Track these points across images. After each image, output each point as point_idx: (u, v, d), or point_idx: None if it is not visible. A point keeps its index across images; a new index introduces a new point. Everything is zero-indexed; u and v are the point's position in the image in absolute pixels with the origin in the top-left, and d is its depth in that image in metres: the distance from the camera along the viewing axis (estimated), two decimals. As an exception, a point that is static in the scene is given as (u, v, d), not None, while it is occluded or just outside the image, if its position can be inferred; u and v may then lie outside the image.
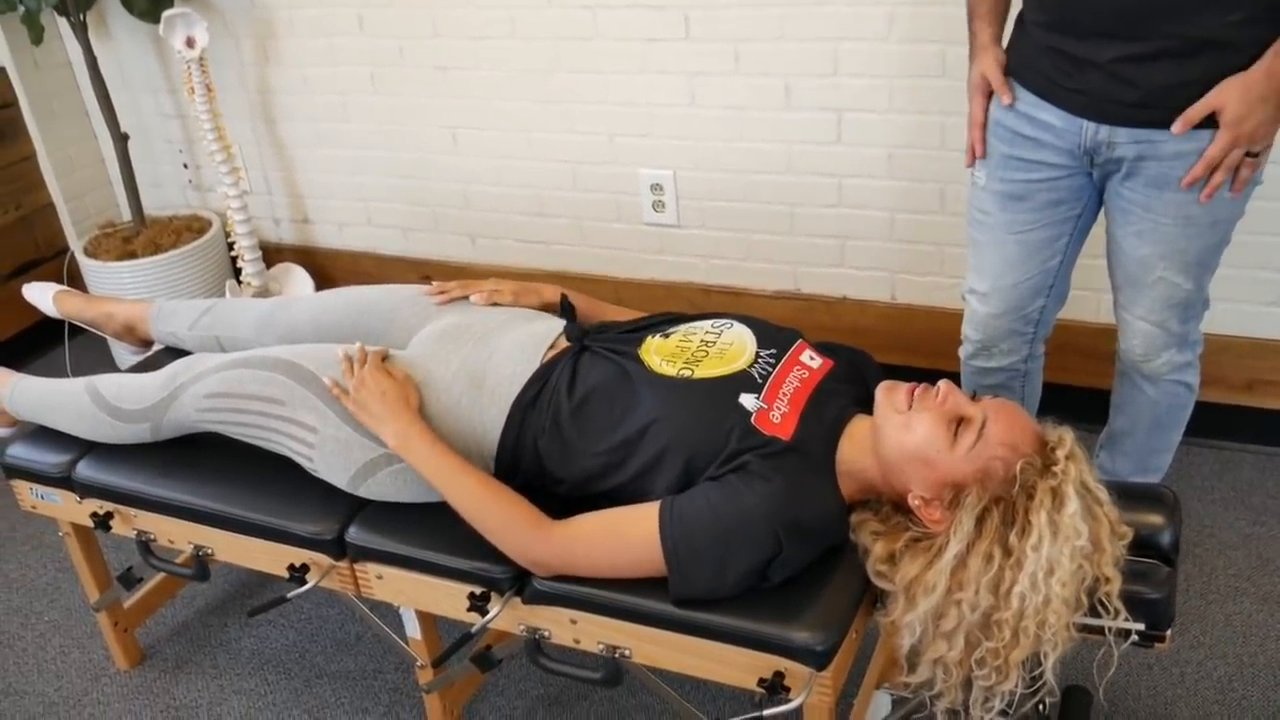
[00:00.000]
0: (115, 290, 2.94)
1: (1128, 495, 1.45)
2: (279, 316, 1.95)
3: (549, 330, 1.70)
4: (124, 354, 3.09)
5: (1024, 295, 1.90)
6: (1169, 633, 1.42)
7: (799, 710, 1.42)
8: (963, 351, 2.06)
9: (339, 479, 1.67)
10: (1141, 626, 1.38)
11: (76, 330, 3.18)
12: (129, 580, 2.02)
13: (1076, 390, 2.41)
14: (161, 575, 2.19)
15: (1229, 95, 1.56)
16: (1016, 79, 1.76)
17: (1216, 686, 1.89)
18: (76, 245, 3.15)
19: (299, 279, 3.15)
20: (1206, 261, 1.77)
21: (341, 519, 1.68)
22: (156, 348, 2.20)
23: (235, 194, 2.95)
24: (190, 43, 2.75)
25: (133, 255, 3.00)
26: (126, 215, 3.22)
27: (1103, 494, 1.39)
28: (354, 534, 1.66)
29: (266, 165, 3.16)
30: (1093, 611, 1.37)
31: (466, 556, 1.57)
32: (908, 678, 1.42)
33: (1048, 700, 1.40)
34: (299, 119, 3.04)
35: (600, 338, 1.65)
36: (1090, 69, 1.63)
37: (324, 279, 3.21)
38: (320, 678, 2.11)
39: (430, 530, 1.62)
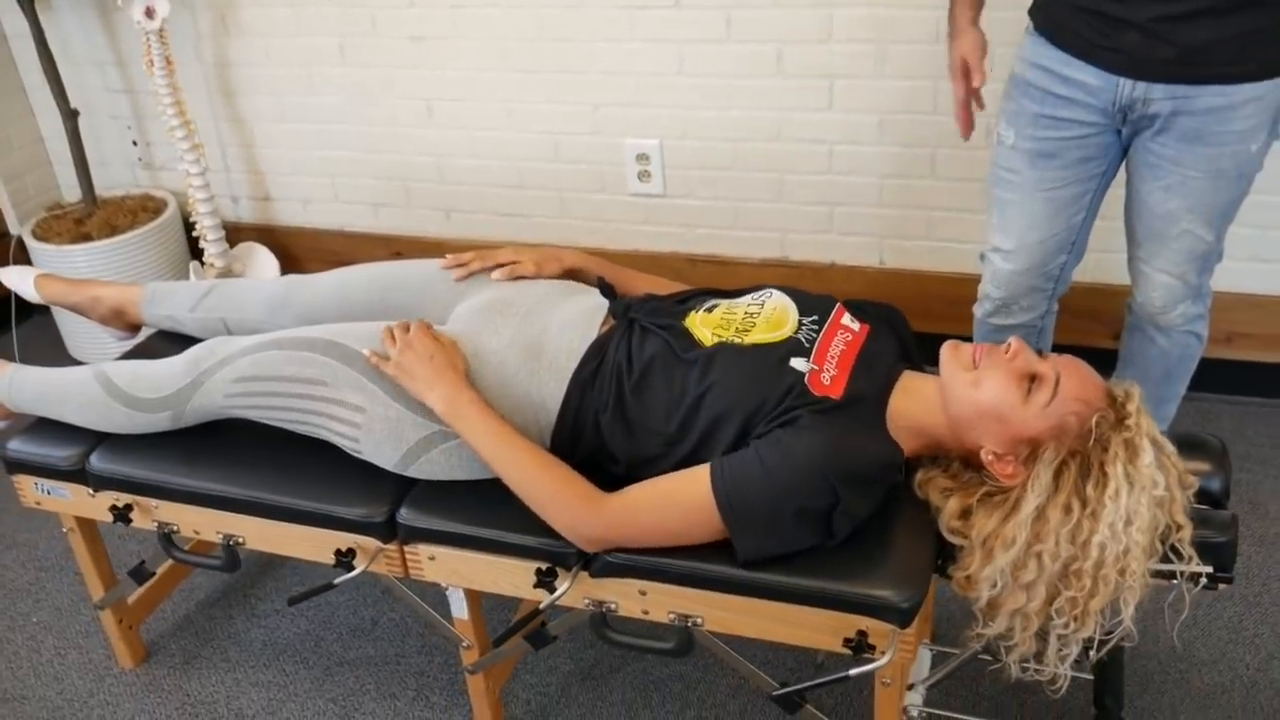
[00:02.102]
0: (69, 275, 2.80)
1: (1179, 444, 1.49)
2: (296, 296, 1.89)
3: (598, 306, 1.68)
4: (76, 338, 2.97)
5: (1049, 251, 1.95)
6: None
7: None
8: (979, 310, 2.10)
9: (388, 460, 1.63)
10: (1210, 569, 1.43)
11: (22, 316, 3.04)
12: (142, 575, 1.94)
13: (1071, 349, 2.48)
14: (165, 568, 2.11)
15: None
16: (1048, 38, 1.79)
17: (1229, 626, 1.98)
18: (20, 229, 3.00)
19: (263, 259, 3.05)
20: (1229, 214, 1.83)
21: (390, 500, 1.64)
22: (146, 333, 2.11)
23: (197, 171, 2.84)
24: (150, 13, 2.62)
25: (87, 238, 2.87)
26: (71, 196, 3.07)
27: (1168, 445, 1.44)
28: (406, 515, 1.62)
29: (225, 141, 3.04)
30: (1165, 558, 1.41)
31: (532, 533, 1.54)
32: (984, 629, 1.45)
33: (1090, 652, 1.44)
34: (260, 92, 2.93)
35: (645, 313, 1.63)
36: (1128, 28, 1.67)
37: (287, 258, 3.11)
38: (340, 665, 2.07)
39: (487, 508, 1.59)
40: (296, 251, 3.13)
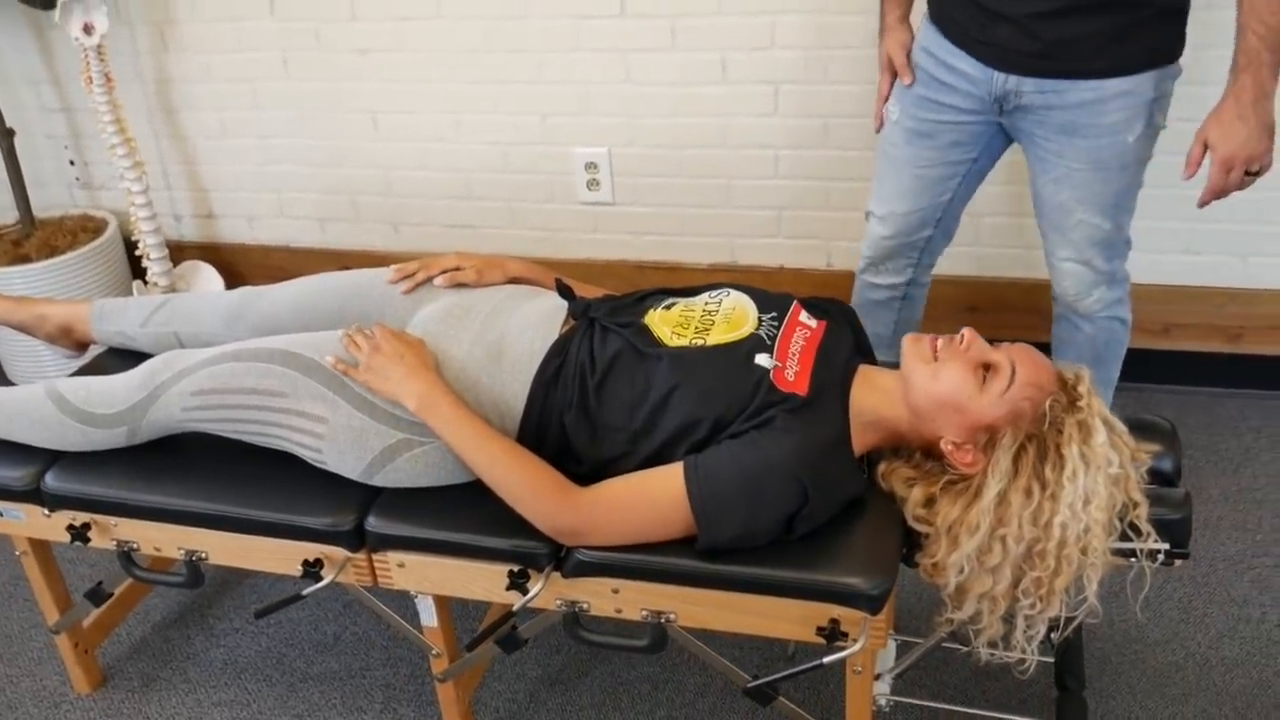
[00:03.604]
0: (9, 297, 2.75)
1: (1131, 426, 1.54)
2: (252, 307, 1.87)
3: (557, 307, 1.69)
4: (10, 358, 2.90)
5: (913, 224, 2.08)
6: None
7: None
8: (858, 267, 2.21)
9: (352, 469, 1.62)
10: (1167, 546, 1.48)
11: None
12: (99, 596, 1.91)
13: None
14: (121, 590, 2.08)
15: (1209, 132, 1.72)
16: (937, 26, 1.89)
17: (1179, 607, 2.04)
18: (-47, 252, 2.93)
19: (207, 277, 3.01)
20: (1121, 203, 1.92)
21: (356, 508, 1.63)
22: (95, 350, 2.08)
23: (139, 190, 2.79)
24: (88, 29, 2.58)
25: (25, 259, 2.80)
26: (7, 217, 3.00)
27: (1119, 425, 1.48)
28: (374, 522, 1.61)
29: (166, 158, 3.00)
30: (1123, 536, 1.45)
31: (503, 535, 1.55)
32: (952, 614, 1.48)
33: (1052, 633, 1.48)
34: (201, 108, 2.90)
35: (604, 313, 1.65)
36: (1001, 22, 1.77)
37: (232, 276, 3.08)
38: (305, 681, 2.04)
39: (456, 512, 1.59)
40: (242, 269, 3.10)
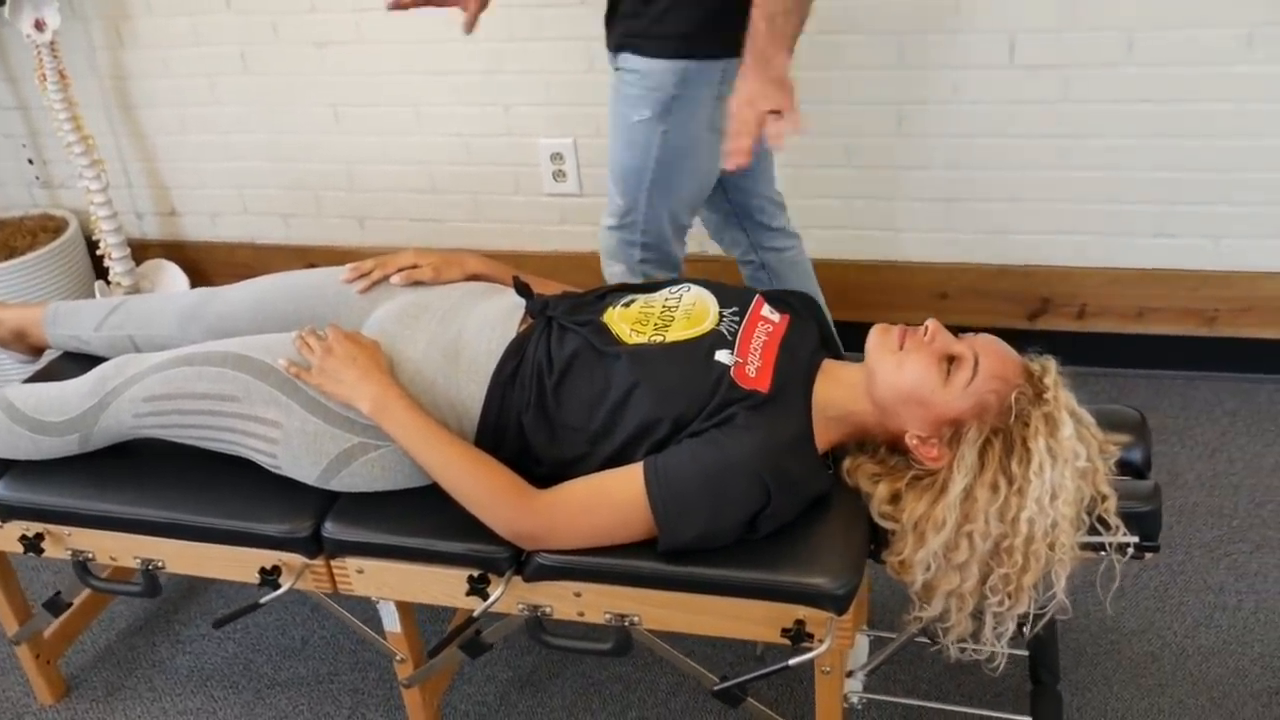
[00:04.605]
0: (-33, 300, 2.71)
1: (1099, 417, 1.51)
2: (207, 309, 1.83)
3: (513, 306, 1.66)
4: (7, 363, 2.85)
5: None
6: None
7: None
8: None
9: (307, 474, 1.59)
10: (1136, 539, 1.46)
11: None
12: (58, 606, 1.87)
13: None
14: (82, 598, 2.04)
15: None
16: None
17: (1155, 595, 2.02)
18: (-89, 254, 2.87)
19: (171, 275, 2.97)
20: (628, 180, 1.95)
21: (313, 515, 1.60)
22: (50, 354, 2.03)
23: (98, 188, 2.75)
24: (40, 25, 2.53)
25: (-16, 261, 2.76)
26: (-34, 218, 2.96)
27: (1087, 417, 1.46)
28: (331, 529, 1.58)
29: (125, 156, 2.95)
30: (1092, 530, 1.43)
31: (461, 539, 1.51)
32: (920, 612, 1.46)
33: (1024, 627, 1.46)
34: (160, 105, 2.85)
35: (562, 311, 1.61)
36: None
37: (197, 274, 3.03)
38: (272, 688, 2.01)
39: (415, 517, 1.56)
40: (206, 267, 3.05)
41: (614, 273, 2.10)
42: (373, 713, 1.94)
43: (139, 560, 1.71)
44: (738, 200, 2.18)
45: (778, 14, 1.67)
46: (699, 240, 2.69)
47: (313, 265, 2.92)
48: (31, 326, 1.98)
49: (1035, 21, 2.25)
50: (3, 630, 1.96)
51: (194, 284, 2.98)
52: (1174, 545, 2.12)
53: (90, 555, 1.73)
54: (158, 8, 2.70)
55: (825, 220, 2.59)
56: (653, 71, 1.83)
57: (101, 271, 2.90)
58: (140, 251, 3.03)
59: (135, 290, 2.88)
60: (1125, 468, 1.55)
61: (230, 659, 2.08)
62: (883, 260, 2.59)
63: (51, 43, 2.57)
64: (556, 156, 2.65)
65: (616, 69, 1.92)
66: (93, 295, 2.85)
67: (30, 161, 3.04)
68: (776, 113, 1.67)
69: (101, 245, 2.82)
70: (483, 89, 2.61)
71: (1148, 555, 1.49)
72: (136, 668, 2.08)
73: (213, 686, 2.02)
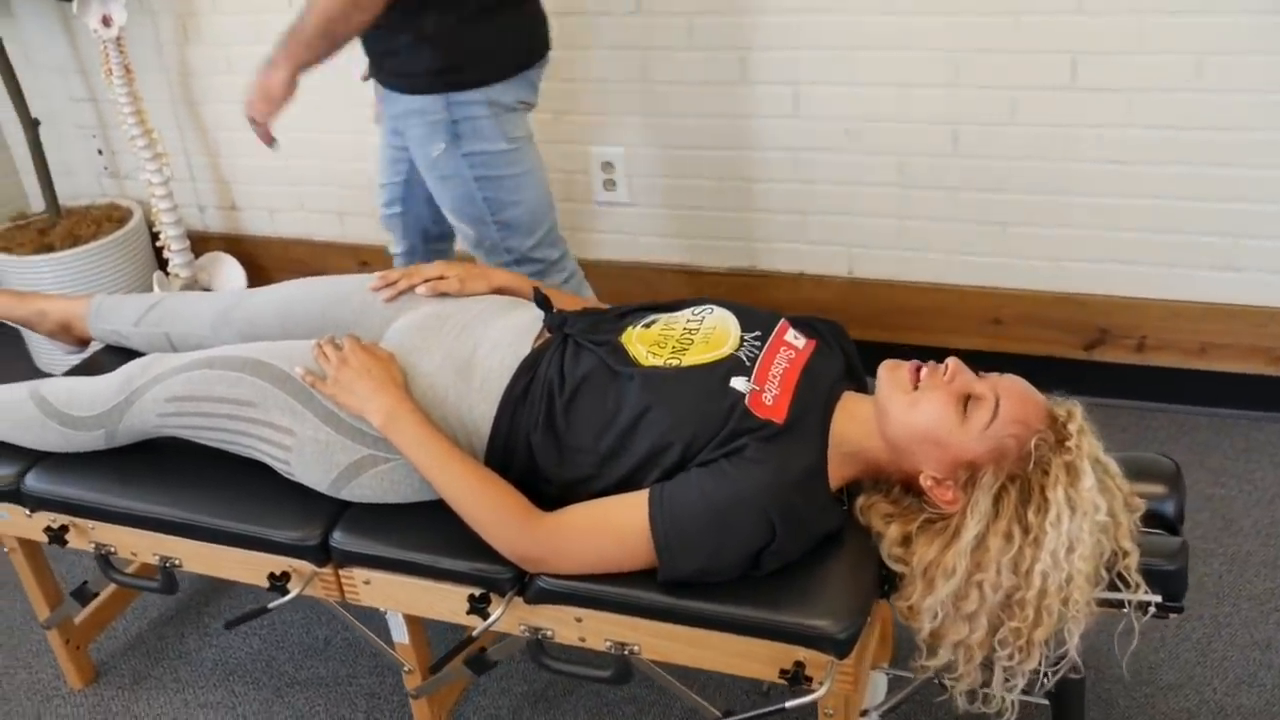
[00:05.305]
0: (32, 287, 2.78)
1: (1129, 466, 1.45)
2: (237, 311, 1.85)
3: (532, 321, 1.64)
4: (43, 349, 2.93)
5: (386, 197, 2.28)
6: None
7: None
8: None
9: (318, 482, 1.59)
10: (1159, 598, 1.39)
11: (-10, 327, 3.01)
12: (85, 595, 1.91)
13: (1040, 360, 2.45)
14: (114, 587, 2.08)
15: None
16: None
17: (1197, 648, 1.93)
18: (-15, 239, 2.96)
19: (229, 268, 3.02)
20: (467, 210, 2.05)
21: (324, 523, 1.60)
22: (95, 347, 2.08)
23: (159, 181, 2.80)
24: (107, 21, 2.59)
25: (50, 248, 2.83)
26: (38, 205, 3.04)
27: (1113, 466, 1.39)
28: (339, 538, 1.58)
29: (189, 150, 3.01)
30: (1111, 586, 1.37)
31: (465, 558, 1.50)
32: (927, 661, 1.40)
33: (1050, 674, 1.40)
34: (224, 101, 2.90)
35: (580, 328, 1.59)
36: None
37: (254, 268, 3.08)
38: (291, 686, 2.03)
39: (422, 531, 1.56)
40: (264, 261, 3.10)
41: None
42: (387, 718, 1.94)
43: (158, 557, 1.73)
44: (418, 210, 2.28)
45: (302, 43, 1.84)
46: (750, 255, 2.66)
47: (366, 264, 2.96)
48: (76, 320, 2.03)
49: (1100, 43, 2.17)
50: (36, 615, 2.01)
51: (251, 278, 3.03)
52: (1222, 596, 2.02)
53: (112, 549, 1.76)
54: (223, 5, 2.74)
55: (877, 240, 2.53)
56: (425, 107, 1.94)
57: (163, 263, 2.96)
58: (202, 244, 3.08)
59: (193, 282, 2.93)
60: (1155, 520, 1.48)
61: (254, 654, 2.10)
62: (935, 283, 2.53)
63: (118, 38, 2.62)
64: (607, 165, 2.63)
65: (390, 114, 2.04)
66: (151, 286, 2.91)
67: (100, 152, 3.11)
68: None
69: (161, 237, 2.87)
70: (535, 95, 2.60)
71: (1172, 615, 1.42)
72: (164, 658, 2.11)
73: (234, 681, 2.05)
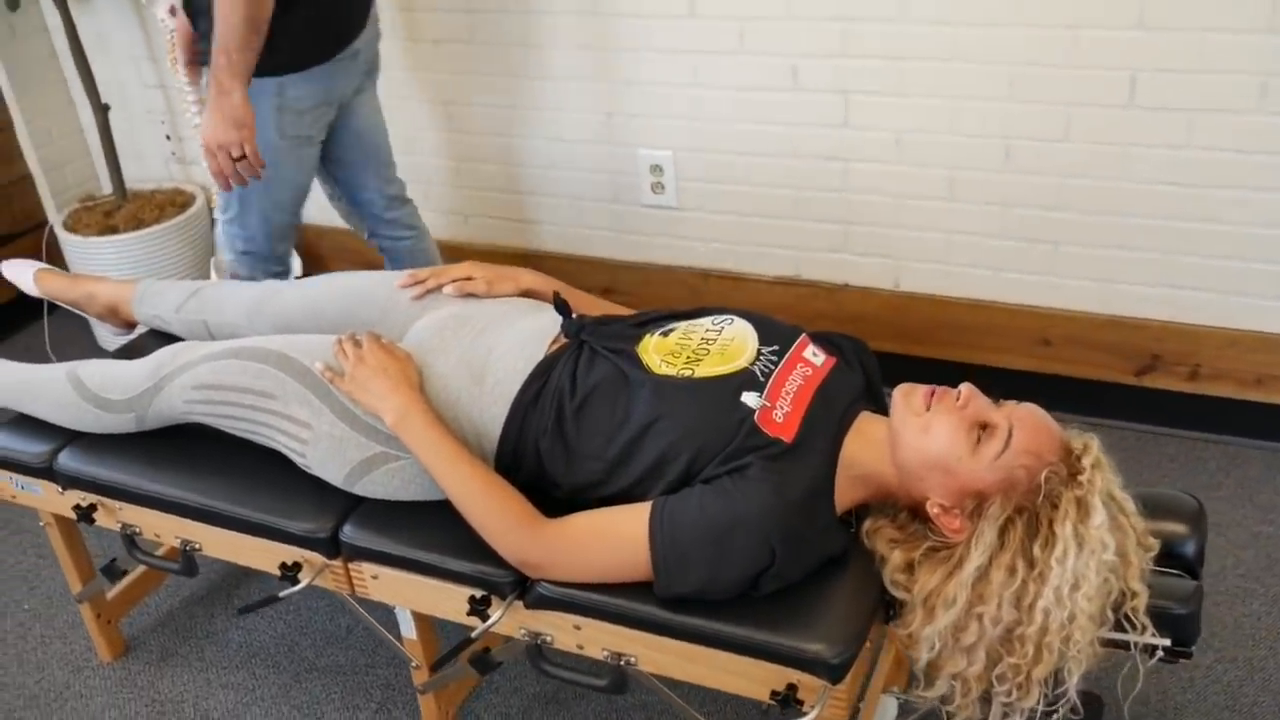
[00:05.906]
0: (96, 267, 2.86)
1: (1150, 503, 1.40)
2: (270, 304, 1.88)
3: (549, 325, 1.64)
4: (107, 334, 3.01)
5: None
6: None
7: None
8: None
9: (333, 476, 1.61)
10: (1167, 642, 1.34)
11: (55, 307, 3.10)
12: (113, 572, 1.97)
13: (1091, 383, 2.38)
14: (141, 567, 2.13)
15: (202, 127, 1.97)
16: None
17: (1227, 692, 1.86)
18: (55, 219, 3.06)
19: (286, 256, 3.06)
20: (279, 195, 2.19)
21: (336, 517, 1.62)
22: (141, 329, 2.13)
23: (220, 168, 2.85)
24: (173, 11, 2.64)
25: (114, 230, 2.91)
26: (108, 189, 3.12)
27: (1129, 504, 1.35)
28: (349, 533, 1.60)
29: (252, 138, 3.06)
30: (1118, 626, 1.32)
31: (467, 559, 1.51)
32: (924, 691, 1.38)
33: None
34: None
35: (597, 335, 1.58)
36: None
37: (310, 256, 3.13)
38: (310, 672, 2.06)
39: (429, 531, 1.57)
40: (320, 250, 3.15)
41: (224, 260, 2.34)
42: (399, 710, 1.96)
43: (179, 540, 1.77)
44: (348, 193, 2.41)
45: (234, 50, 1.87)
46: (795, 264, 2.63)
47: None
48: (122, 304, 2.08)
49: (1160, 61, 2.09)
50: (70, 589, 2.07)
51: (308, 267, 3.07)
52: (1259, 639, 1.95)
53: (137, 530, 1.81)
54: (287, -2, 2.78)
55: (925, 254, 2.48)
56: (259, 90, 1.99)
57: (222, 248, 3.02)
58: (261, 230, 3.14)
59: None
60: (1175, 561, 1.43)
61: (278, 638, 2.14)
62: (983, 300, 2.47)
63: (184, 28, 2.68)
64: (655, 168, 2.62)
65: None
66: (209, 271, 2.97)
67: (168, 138, 3.19)
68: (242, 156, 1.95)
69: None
70: (586, 95, 2.60)
71: (1182, 661, 1.37)
72: (191, 636, 2.16)
73: (256, 664, 2.08)
